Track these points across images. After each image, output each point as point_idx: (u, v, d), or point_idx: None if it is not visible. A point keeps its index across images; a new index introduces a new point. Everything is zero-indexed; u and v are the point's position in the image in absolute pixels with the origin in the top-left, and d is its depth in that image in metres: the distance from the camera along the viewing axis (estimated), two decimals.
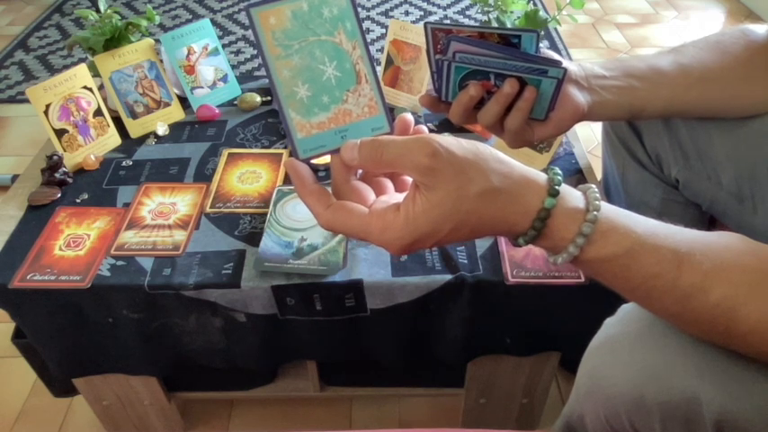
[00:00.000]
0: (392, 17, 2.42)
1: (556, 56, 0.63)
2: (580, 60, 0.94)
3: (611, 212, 0.44)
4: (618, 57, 0.70)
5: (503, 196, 0.42)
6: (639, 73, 0.68)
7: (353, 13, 0.44)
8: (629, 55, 2.22)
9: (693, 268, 0.43)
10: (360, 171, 0.47)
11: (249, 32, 2.35)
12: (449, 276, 0.77)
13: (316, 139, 0.43)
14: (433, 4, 2.49)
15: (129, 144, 1.01)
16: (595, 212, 0.43)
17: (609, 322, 0.56)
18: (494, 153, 0.43)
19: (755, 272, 0.43)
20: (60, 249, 0.81)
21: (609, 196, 0.96)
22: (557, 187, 0.43)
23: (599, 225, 0.43)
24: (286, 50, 0.42)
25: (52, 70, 2.19)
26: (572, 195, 0.44)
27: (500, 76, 0.62)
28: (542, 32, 0.71)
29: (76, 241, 0.83)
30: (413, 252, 0.44)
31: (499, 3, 0.93)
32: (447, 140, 0.41)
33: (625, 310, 0.56)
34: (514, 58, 0.60)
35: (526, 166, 0.44)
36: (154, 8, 1.05)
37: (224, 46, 2.14)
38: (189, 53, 1.06)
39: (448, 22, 0.97)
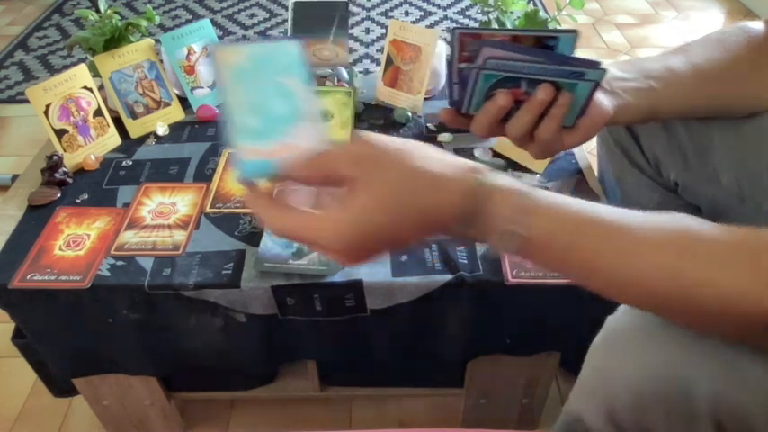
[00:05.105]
0: (392, 17, 2.42)
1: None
2: None
3: (550, 194, 0.43)
4: (630, 59, 0.69)
5: (438, 179, 0.42)
6: (656, 73, 0.67)
7: (304, 61, 0.49)
8: (630, 56, 2.22)
9: (652, 250, 0.42)
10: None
11: (249, 33, 2.35)
12: (449, 276, 0.77)
13: (259, 164, 0.46)
14: (433, 4, 2.49)
15: (129, 144, 1.01)
16: (532, 191, 0.42)
17: (610, 319, 0.57)
18: (426, 144, 0.44)
19: (723, 245, 0.42)
20: (60, 249, 0.81)
21: (606, 199, 0.96)
22: (485, 171, 0.43)
23: (538, 202, 0.42)
24: (241, 85, 0.47)
25: (52, 70, 2.19)
26: (505, 178, 0.44)
27: (532, 83, 0.58)
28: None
29: (76, 241, 0.83)
30: (364, 257, 0.43)
31: (499, 3, 0.93)
32: (377, 136, 0.42)
33: (624, 306, 0.56)
34: (552, 61, 0.57)
35: (456, 156, 0.45)
36: (154, 8, 1.05)
37: None
38: (189, 53, 1.06)
39: (475, 25, 0.91)
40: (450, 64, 0.62)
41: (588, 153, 0.96)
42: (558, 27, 0.89)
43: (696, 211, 0.85)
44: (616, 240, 0.43)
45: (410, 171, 0.41)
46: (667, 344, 0.50)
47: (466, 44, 0.60)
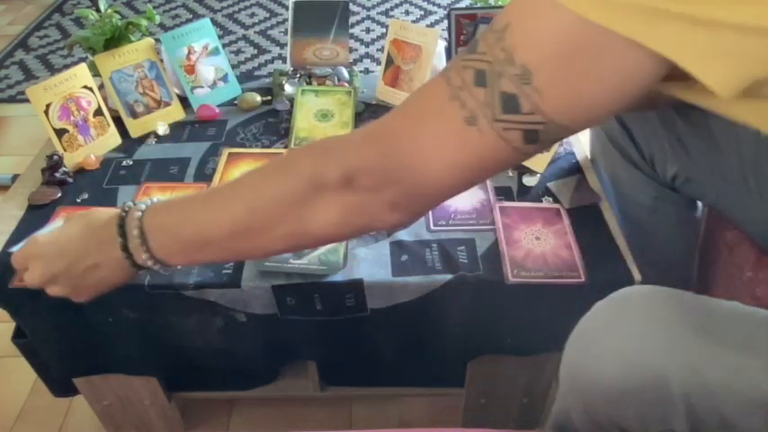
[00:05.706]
0: (392, 16, 2.42)
1: None
2: None
3: (163, 201, 0.57)
4: None
5: (98, 209, 0.59)
6: None
7: None
8: None
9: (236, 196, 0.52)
10: None
11: (249, 32, 2.35)
12: (449, 276, 0.77)
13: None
14: (433, 4, 2.49)
15: (130, 143, 1.01)
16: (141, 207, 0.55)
17: (583, 318, 0.57)
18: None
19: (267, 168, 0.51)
20: None
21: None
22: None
23: (150, 205, 0.56)
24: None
25: (52, 70, 2.19)
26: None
27: None
28: None
29: None
30: (51, 265, 0.58)
31: (499, 2, 0.93)
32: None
33: (597, 305, 0.57)
34: None
35: None
36: (154, 8, 1.05)
37: (224, 45, 2.14)
38: (189, 53, 1.06)
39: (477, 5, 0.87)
40: (449, 51, 0.61)
41: (588, 152, 0.95)
42: None
43: (689, 207, 0.85)
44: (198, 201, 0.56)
45: (80, 214, 0.60)
46: (639, 335, 0.51)
47: (463, 26, 0.59)
